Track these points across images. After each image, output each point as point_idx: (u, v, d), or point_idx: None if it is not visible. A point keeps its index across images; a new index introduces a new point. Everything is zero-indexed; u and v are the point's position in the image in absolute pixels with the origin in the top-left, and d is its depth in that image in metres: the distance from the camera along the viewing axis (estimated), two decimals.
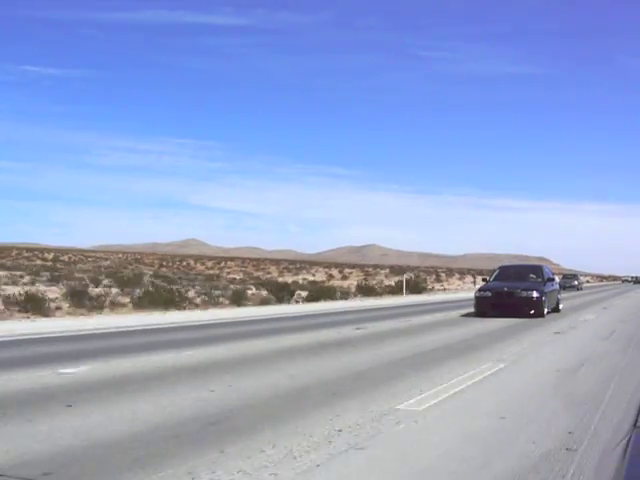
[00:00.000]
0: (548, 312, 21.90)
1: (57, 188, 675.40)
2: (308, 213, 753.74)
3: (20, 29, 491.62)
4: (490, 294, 21.41)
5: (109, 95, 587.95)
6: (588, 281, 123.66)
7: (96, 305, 23.70)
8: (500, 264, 26.23)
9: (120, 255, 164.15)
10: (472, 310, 22.05)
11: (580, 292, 57.85)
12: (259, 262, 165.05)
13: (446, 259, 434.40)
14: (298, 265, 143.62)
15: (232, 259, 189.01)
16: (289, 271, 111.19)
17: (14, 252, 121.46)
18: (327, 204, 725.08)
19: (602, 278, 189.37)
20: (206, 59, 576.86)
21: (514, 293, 21.14)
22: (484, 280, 23.82)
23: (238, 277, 73.84)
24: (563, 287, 62.08)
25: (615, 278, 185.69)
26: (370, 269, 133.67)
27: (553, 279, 23.43)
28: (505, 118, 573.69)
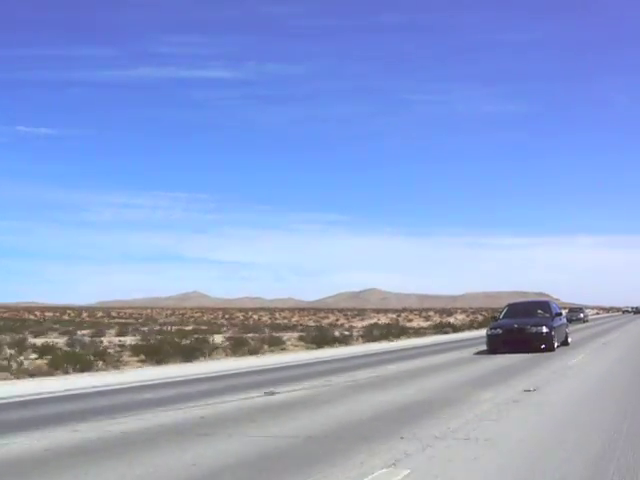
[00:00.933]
0: (558, 346, 22.52)
1: (52, 246, 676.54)
2: (303, 260, 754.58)
3: (12, 90, 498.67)
4: (501, 331, 22.05)
5: (101, 152, 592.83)
6: (598, 313, 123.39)
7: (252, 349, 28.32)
8: (506, 302, 26.92)
9: (169, 311, 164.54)
10: (484, 347, 22.70)
11: (586, 324, 58.81)
12: (297, 311, 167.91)
13: (445, 299, 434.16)
14: (355, 312, 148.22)
15: (275, 309, 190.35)
16: (352, 317, 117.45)
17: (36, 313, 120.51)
18: (322, 251, 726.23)
19: (606, 310, 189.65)
20: (196, 112, 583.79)
21: (524, 329, 21.78)
22: (494, 318, 24.47)
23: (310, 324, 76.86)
24: (570, 320, 64.15)
25: (617, 309, 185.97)
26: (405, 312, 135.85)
27: (560, 314, 24.12)
28: (497, 155, 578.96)
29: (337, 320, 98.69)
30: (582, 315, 68.05)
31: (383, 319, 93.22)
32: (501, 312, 24.46)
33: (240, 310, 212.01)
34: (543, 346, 21.49)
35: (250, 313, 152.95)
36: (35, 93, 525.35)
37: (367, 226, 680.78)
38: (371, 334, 39.99)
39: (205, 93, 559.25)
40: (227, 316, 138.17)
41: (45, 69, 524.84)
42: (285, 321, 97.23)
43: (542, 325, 21.81)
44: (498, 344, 21.94)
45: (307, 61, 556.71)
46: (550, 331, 21.74)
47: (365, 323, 75.49)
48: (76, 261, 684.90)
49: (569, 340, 25.06)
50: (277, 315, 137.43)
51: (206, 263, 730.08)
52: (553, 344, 21.74)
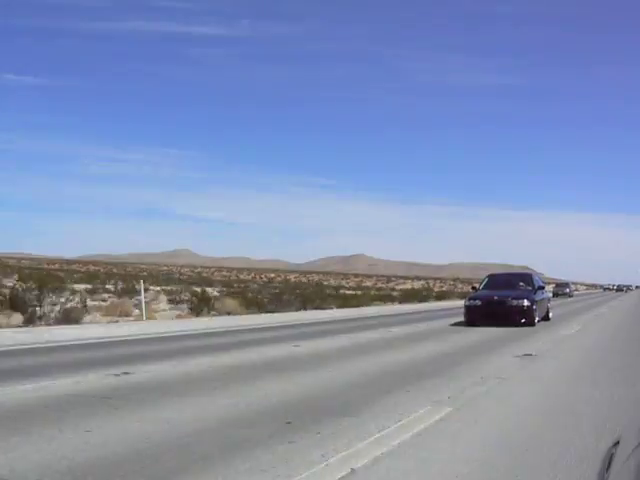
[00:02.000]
0: (539, 321, 21.21)
1: (40, 198, 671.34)
2: (291, 223, 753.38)
3: (1, 38, 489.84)
4: (480, 303, 20.67)
5: (91, 104, 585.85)
6: (577, 289, 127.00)
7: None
8: (487, 273, 25.46)
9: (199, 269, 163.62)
10: (459, 319, 21.38)
11: (571, 299, 61.05)
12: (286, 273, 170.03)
13: (431, 268, 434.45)
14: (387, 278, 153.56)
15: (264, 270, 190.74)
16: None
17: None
18: (311, 213, 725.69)
19: (589, 287, 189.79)
20: (189, 69, 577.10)
21: (505, 302, 20.42)
22: (473, 289, 23.08)
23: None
24: (556, 294, 68.31)
25: (599, 287, 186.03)
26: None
27: (543, 287, 22.75)
28: (487, 128, 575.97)
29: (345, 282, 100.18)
30: (568, 290, 70.68)
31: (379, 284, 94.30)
32: (481, 283, 23.05)
33: (230, 270, 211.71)
34: (523, 320, 20.17)
35: (273, 275, 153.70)
36: (25, 41, 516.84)
37: (355, 191, 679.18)
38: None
39: (198, 50, 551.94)
40: (240, 275, 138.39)
41: (36, 17, 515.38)
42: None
43: (523, 298, 20.43)
44: (476, 316, 20.59)
45: (302, 21, 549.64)
46: (531, 305, 20.39)
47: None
48: (62, 214, 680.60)
49: (550, 315, 23.74)
50: (266, 276, 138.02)
51: (194, 221, 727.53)
52: (534, 318, 20.41)
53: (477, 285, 23.20)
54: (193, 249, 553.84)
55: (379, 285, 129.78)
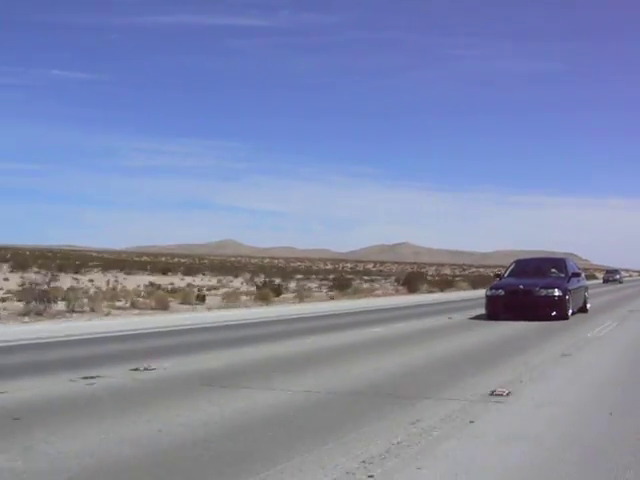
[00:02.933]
0: (573, 313, 18.00)
1: (84, 191, 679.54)
2: (334, 212, 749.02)
3: (48, 34, 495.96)
4: (503, 293, 17.55)
5: (135, 98, 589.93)
6: (630, 275, 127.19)
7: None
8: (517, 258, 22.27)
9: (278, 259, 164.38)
10: (481, 311, 18.30)
11: (621, 285, 64.15)
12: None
13: (477, 256, 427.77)
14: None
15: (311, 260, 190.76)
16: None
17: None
18: (353, 202, 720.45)
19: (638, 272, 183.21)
20: (231, 60, 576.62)
21: (532, 291, 17.25)
22: (497, 276, 19.90)
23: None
24: (606, 280, 72.13)
25: None
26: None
27: (579, 274, 19.43)
28: (529, 112, 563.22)
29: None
30: (618, 276, 74.50)
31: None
32: (506, 270, 19.86)
33: (275, 259, 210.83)
34: (554, 313, 17.00)
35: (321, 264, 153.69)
36: (71, 37, 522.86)
37: (398, 179, 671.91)
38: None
39: (239, 41, 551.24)
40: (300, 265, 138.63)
41: (83, 13, 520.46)
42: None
43: (554, 287, 17.25)
44: (499, 308, 17.52)
45: (341, 11, 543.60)
46: (564, 295, 17.19)
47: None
48: (109, 206, 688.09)
49: (588, 306, 20.44)
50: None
51: (237, 212, 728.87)
52: (567, 311, 17.22)
53: (502, 272, 20.03)
54: (238, 239, 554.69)
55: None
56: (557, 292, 17.12)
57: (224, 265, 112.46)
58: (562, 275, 18.55)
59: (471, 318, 18.12)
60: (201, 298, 26.49)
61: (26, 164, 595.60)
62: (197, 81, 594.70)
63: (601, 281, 75.23)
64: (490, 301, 17.76)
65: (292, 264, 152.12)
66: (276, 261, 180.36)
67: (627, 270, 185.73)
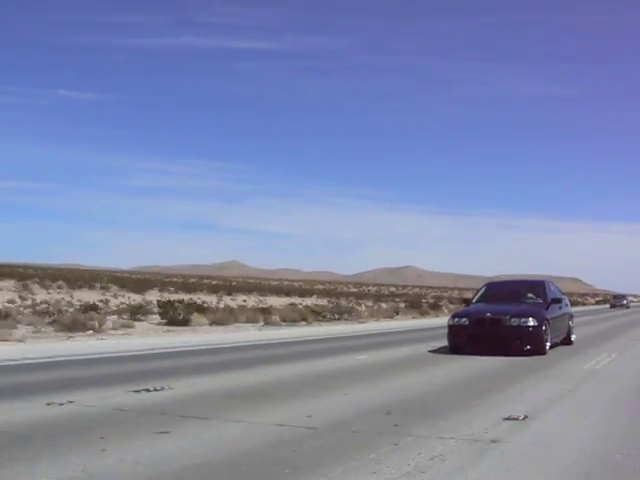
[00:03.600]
0: (553, 346, 14.83)
1: (89, 210, 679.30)
2: (338, 234, 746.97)
3: (55, 55, 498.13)
4: (467, 322, 14.39)
5: (140, 118, 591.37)
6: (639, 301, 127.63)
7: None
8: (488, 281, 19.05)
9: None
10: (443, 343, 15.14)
11: (629, 310, 63.79)
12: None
13: (480, 280, 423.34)
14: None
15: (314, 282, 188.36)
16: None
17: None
18: (357, 225, 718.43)
19: None
20: (236, 82, 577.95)
21: (501, 321, 14.09)
22: (465, 301, 16.74)
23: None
24: (613, 306, 72.91)
25: None
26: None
27: (560, 300, 16.16)
28: (534, 138, 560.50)
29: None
30: (625, 302, 75.38)
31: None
32: (476, 294, 16.72)
33: (278, 280, 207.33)
34: (528, 347, 13.86)
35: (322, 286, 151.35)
36: (77, 58, 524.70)
37: (400, 203, 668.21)
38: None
39: (244, 64, 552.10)
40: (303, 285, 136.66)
41: (89, 34, 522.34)
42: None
43: (529, 315, 14.07)
44: (462, 340, 14.40)
45: (346, 35, 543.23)
46: (540, 325, 14.02)
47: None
48: (113, 226, 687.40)
49: (573, 337, 17.25)
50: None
51: (241, 233, 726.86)
52: (544, 344, 14.08)
53: (470, 298, 16.87)
54: (242, 261, 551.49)
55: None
56: (532, 321, 13.95)
57: (281, 287, 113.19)
58: (540, 301, 15.38)
59: (432, 351, 14.95)
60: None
61: (30, 183, 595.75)
62: (202, 103, 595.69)
63: (608, 306, 77.20)
64: (452, 331, 14.62)
65: (279, 285, 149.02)
66: (282, 283, 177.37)
67: (633, 295, 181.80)
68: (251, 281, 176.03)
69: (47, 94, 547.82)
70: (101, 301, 41.26)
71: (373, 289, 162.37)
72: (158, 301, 32.83)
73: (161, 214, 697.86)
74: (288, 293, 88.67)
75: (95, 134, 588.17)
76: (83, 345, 15.50)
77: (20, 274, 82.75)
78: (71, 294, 54.47)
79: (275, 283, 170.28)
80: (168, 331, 21.08)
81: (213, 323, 24.62)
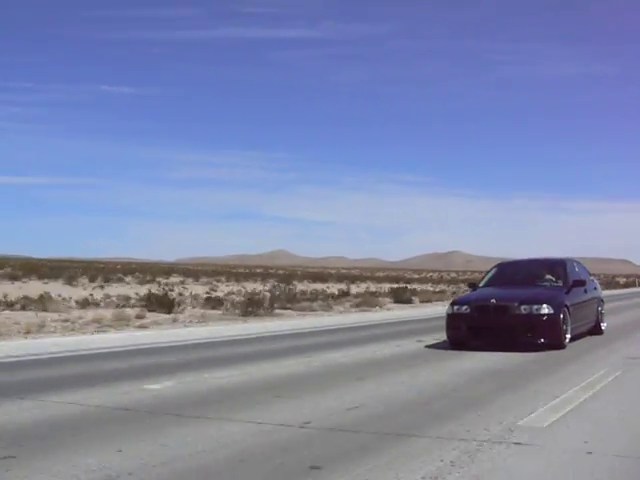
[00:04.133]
0: (573, 338, 12.06)
1: (133, 203, 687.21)
2: (382, 221, 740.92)
3: (97, 50, 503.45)
4: (469, 310, 11.76)
5: (182, 110, 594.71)
6: None
7: None
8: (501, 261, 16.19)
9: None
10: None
11: None
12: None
13: None
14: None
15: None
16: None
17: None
18: (401, 211, 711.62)
19: None
20: (275, 72, 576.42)
21: (508, 308, 11.42)
22: (471, 286, 13.97)
23: None
24: None
25: None
26: None
27: (583, 282, 13.21)
28: (578, 119, 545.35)
29: None
30: None
31: None
32: (484, 276, 14.00)
33: (327, 268, 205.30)
34: (542, 340, 11.17)
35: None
36: (119, 53, 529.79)
37: (445, 188, 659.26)
38: None
39: (283, 53, 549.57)
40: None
41: (129, 30, 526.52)
42: None
43: (542, 301, 11.37)
44: (462, 332, 11.77)
45: (386, 21, 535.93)
46: (556, 312, 11.30)
47: None
48: (158, 218, 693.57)
49: (603, 326, 14.42)
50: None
51: (285, 222, 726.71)
52: (561, 335, 11.36)
53: (481, 279, 14.15)
54: (290, 249, 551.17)
55: None
56: (546, 309, 11.24)
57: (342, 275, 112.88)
58: (559, 284, 12.63)
59: (428, 346, 12.36)
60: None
61: (74, 178, 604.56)
62: (242, 93, 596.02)
63: None
64: (451, 322, 11.99)
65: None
66: (358, 271, 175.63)
67: None
68: (310, 270, 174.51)
69: (89, 89, 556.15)
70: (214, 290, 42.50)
71: (428, 274, 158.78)
72: (391, 288, 43.77)
73: (204, 205, 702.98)
74: (352, 280, 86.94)
75: (137, 128, 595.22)
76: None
77: (101, 269, 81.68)
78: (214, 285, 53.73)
79: (331, 270, 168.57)
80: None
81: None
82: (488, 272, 13.97)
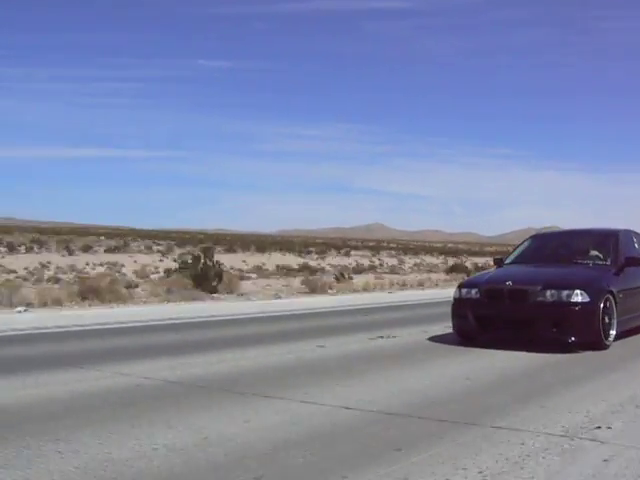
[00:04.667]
0: (620, 334, 8.86)
1: (228, 175, 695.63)
2: (475, 194, 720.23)
3: (194, 25, 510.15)
4: (478, 295, 8.81)
5: (276, 84, 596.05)
6: None
7: None
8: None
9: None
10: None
11: None
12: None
13: None
14: None
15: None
16: None
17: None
18: (494, 185, 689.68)
19: None
20: (369, 43, 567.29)
21: (527, 293, 8.40)
22: (498, 262, 10.76)
23: None
24: None
25: None
26: None
27: None
28: None
29: None
30: None
31: None
32: (514, 250, 10.84)
33: (423, 241, 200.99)
34: (573, 337, 8.14)
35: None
36: (214, 27, 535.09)
37: (542, 162, 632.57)
38: None
39: (378, 24, 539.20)
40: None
41: (224, 4, 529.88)
42: None
43: (574, 286, 8.27)
44: (469, 323, 8.85)
45: None
46: (594, 300, 8.19)
47: None
48: (252, 190, 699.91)
49: None
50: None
51: (379, 195, 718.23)
52: (600, 332, 8.23)
53: (510, 253, 11.01)
54: (385, 223, 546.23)
55: None
56: (580, 295, 8.16)
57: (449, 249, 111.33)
58: (605, 262, 9.44)
59: (430, 338, 9.52)
60: None
61: (172, 151, 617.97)
62: (335, 65, 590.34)
63: None
64: (456, 309, 9.09)
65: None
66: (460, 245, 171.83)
67: None
68: (406, 242, 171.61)
69: (188, 65, 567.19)
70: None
71: None
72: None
73: (297, 178, 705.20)
74: (453, 254, 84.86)
75: (232, 101, 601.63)
76: None
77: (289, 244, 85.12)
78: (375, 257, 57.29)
79: (430, 245, 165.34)
80: None
81: None
82: (519, 245, 10.84)
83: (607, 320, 8.40)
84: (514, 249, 10.86)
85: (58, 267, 41.86)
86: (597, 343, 8.24)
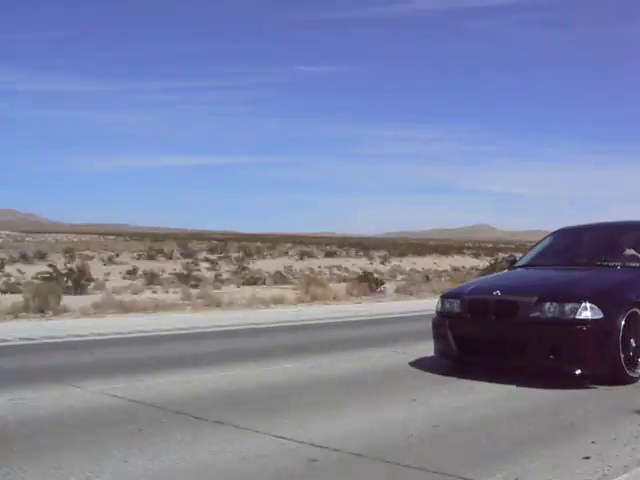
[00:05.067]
0: None
1: (329, 179, 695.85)
2: (583, 193, 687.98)
3: (291, 32, 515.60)
4: (459, 309, 6.63)
5: (373, 87, 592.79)
6: None
7: None
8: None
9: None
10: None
11: None
12: None
13: None
14: None
15: None
16: None
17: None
18: (603, 183, 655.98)
19: None
20: (472, 42, 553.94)
21: (518, 306, 6.17)
22: (510, 263, 8.33)
23: None
24: None
25: None
26: None
27: None
28: None
29: None
30: None
31: None
32: (533, 248, 8.34)
33: (528, 242, 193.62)
34: (579, 370, 5.83)
35: None
36: (313, 34, 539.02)
37: None
38: None
39: (479, 22, 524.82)
40: None
41: (323, 11, 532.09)
42: None
43: (581, 297, 5.95)
44: (448, 344, 6.66)
45: None
46: (610, 317, 5.86)
47: None
48: (353, 193, 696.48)
49: None
50: None
51: (482, 195, 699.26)
52: (619, 362, 5.86)
53: (515, 255, 8.65)
54: (490, 223, 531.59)
55: None
56: (588, 310, 5.83)
57: None
58: (637, 264, 6.98)
59: (412, 363, 7.37)
60: None
61: (273, 157, 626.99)
62: (437, 66, 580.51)
63: None
64: (436, 327, 6.93)
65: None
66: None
67: None
68: (510, 243, 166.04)
69: (286, 72, 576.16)
70: None
71: None
72: None
73: (399, 179, 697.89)
74: None
75: (331, 106, 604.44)
76: None
77: (360, 245, 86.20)
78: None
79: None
80: None
81: None
82: (541, 241, 8.42)
83: (633, 344, 6.03)
84: (533, 246, 8.46)
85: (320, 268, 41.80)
86: (616, 376, 5.90)
